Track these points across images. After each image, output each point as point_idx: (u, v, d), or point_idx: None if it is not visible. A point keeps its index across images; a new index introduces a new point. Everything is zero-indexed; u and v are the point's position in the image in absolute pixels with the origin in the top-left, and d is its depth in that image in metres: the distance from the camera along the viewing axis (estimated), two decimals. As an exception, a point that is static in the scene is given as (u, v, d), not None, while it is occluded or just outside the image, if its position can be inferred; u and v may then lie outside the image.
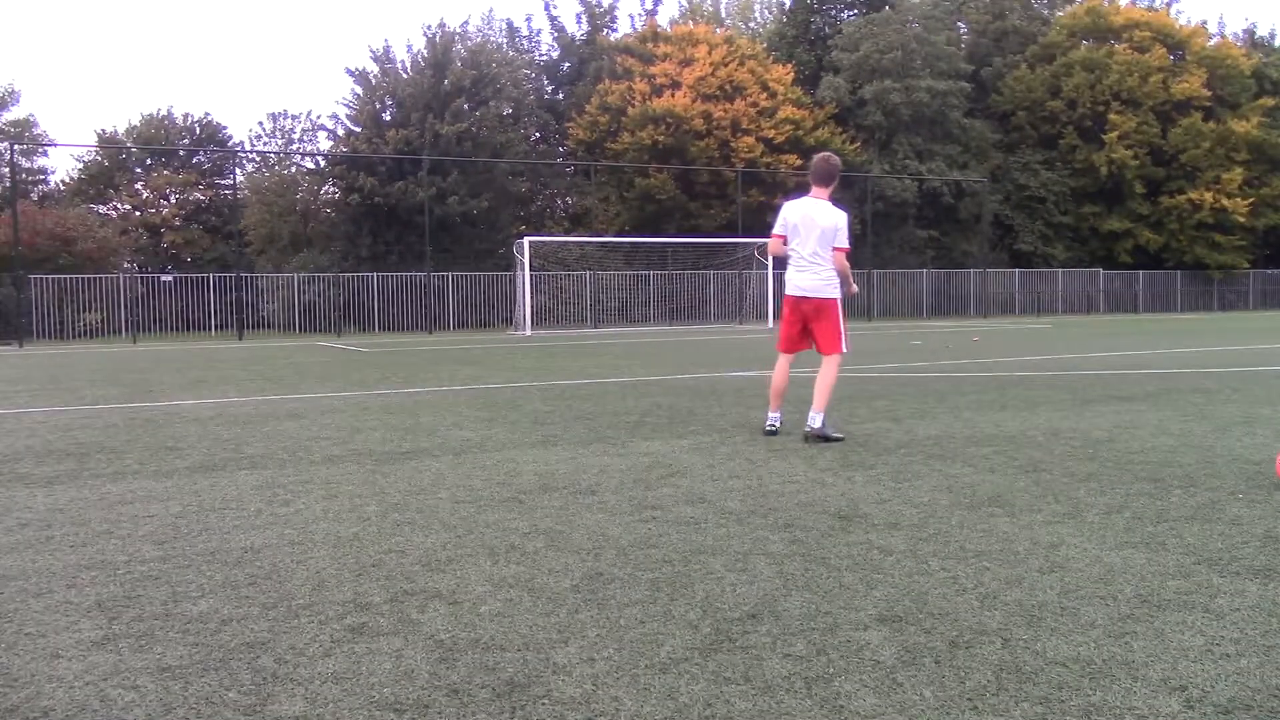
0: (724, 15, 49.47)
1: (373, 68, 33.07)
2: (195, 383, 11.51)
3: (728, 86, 35.85)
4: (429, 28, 41.75)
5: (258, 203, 34.82)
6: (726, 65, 36.06)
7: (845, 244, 6.39)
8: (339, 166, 32.15)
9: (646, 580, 3.27)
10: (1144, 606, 2.95)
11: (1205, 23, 59.92)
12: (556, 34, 42.17)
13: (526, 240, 28.61)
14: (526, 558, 3.56)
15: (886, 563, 3.44)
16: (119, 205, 39.46)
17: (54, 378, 12.78)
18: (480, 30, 40.95)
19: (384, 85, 32.73)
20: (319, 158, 36.08)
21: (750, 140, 35.26)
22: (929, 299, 38.31)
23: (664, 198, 35.04)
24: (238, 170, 37.27)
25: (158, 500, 4.65)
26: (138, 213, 38.62)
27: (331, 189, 34.33)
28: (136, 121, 40.13)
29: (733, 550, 3.62)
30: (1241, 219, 40.92)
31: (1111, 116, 40.67)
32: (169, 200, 39.20)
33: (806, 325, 6.48)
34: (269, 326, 30.08)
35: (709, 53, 36.14)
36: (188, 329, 29.13)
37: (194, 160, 39.65)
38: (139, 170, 40.41)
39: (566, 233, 36.42)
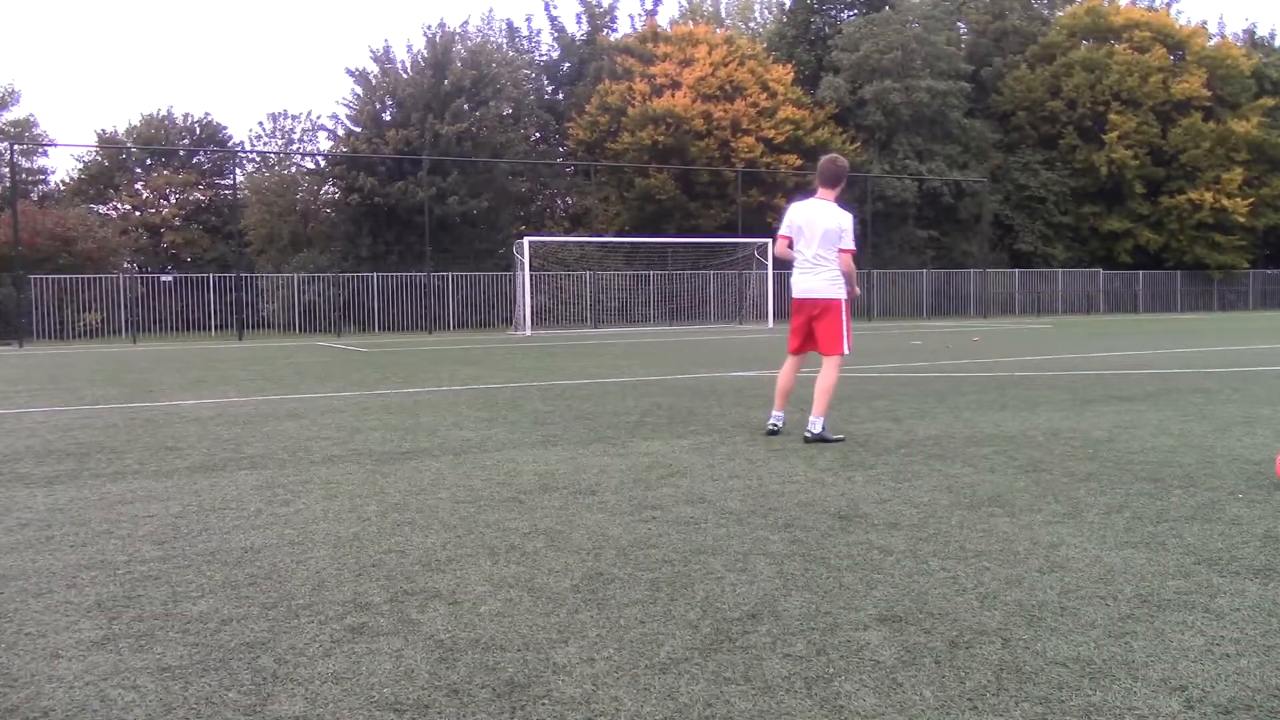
0: (724, 15, 49.49)
1: (373, 68, 33.10)
2: (195, 383, 11.51)
3: (728, 86, 35.84)
4: (429, 28, 41.81)
5: (258, 203, 34.83)
6: (726, 65, 36.06)
7: (850, 246, 6.38)
8: (339, 166, 32.16)
9: (646, 580, 3.27)
10: (1144, 606, 2.95)
11: (1205, 23, 60.06)
12: (556, 34, 42.21)
13: (526, 240, 28.62)
14: (526, 558, 3.56)
15: (886, 563, 3.44)
16: (119, 205, 39.48)
17: (54, 378, 12.79)
18: (480, 30, 41.01)
19: (384, 85, 32.74)
20: (319, 158, 36.10)
21: (750, 140, 35.26)
22: (929, 299, 38.31)
23: (664, 198, 35.04)
24: (238, 170, 37.29)
25: (158, 500, 4.65)
26: (138, 213, 38.63)
27: (331, 189, 34.35)
28: (136, 121, 40.18)
29: (733, 550, 3.62)
30: (1241, 219, 40.93)
31: (1111, 116, 40.67)
32: (169, 200, 39.21)
33: (812, 326, 6.49)
34: (269, 326, 30.08)
35: (709, 53, 36.14)
36: (188, 329, 29.13)
37: (194, 160, 39.66)
38: (139, 170, 40.42)
39: (566, 233, 36.42)
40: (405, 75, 32.71)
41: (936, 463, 5.38)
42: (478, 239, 32.81)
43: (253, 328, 29.28)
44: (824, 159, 6.59)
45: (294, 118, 41.79)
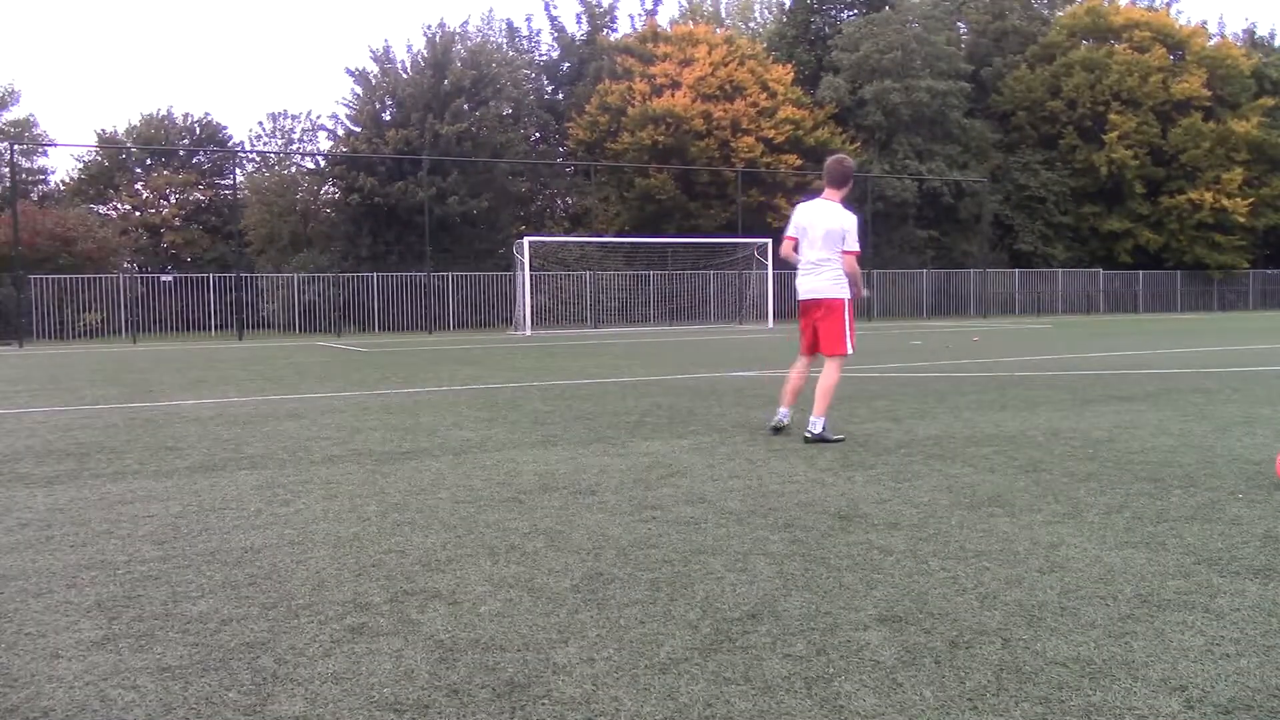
0: (724, 15, 49.50)
1: (373, 68, 33.11)
2: (195, 383, 11.51)
3: (728, 86, 35.85)
4: (429, 28, 41.81)
5: (258, 203, 34.84)
6: (726, 65, 36.06)
7: (854, 247, 6.37)
8: (339, 166, 32.17)
9: (646, 580, 3.27)
10: (1144, 606, 2.95)
11: (1205, 23, 60.01)
12: (556, 34, 42.22)
13: (526, 240, 28.62)
14: (526, 558, 3.56)
15: (886, 563, 3.44)
16: (119, 205, 39.49)
17: (54, 378, 12.78)
18: (480, 30, 41.03)
19: (384, 85, 32.75)
20: (319, 158, 36.11)
21: (750, 140, 35.26)
22: (929, 299, 38.31)
23: (664, 198, 35.04)
24: (238, 170, 37.29)
25: (158, 500, 4.65)
26: (138, 213, 38.64)
27: (331, 189, 34.36)
28: (136, 121, 40.20)
29: (733, 550, 3.62)
30: (1241, 219, 40.95)
31: (1111, 116, 40.68)
32: (169, 200, 39.22)
33: (816, 326, 6.49)
34: (269, 326, 30.08)
35: (709, 53, 36.14)
36: (188, 329, 29.14)
37: (194, 160, 39.66)
38: (139, 170, 40.43)
39: (566, 233, 36.42)
40: (405, 75, 32.72)
41: (936, 463, 5.38)
42: (478, 239, 32.81)
43: (253, 328, 29.29)
44: (831, 160, 6.58)
45: (294, 118, 41.88)
